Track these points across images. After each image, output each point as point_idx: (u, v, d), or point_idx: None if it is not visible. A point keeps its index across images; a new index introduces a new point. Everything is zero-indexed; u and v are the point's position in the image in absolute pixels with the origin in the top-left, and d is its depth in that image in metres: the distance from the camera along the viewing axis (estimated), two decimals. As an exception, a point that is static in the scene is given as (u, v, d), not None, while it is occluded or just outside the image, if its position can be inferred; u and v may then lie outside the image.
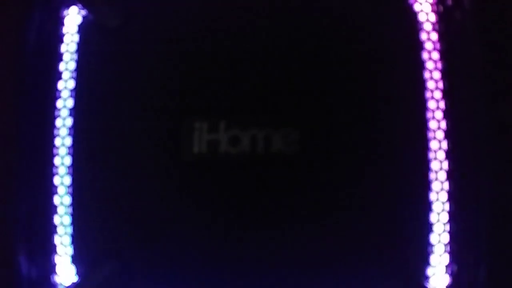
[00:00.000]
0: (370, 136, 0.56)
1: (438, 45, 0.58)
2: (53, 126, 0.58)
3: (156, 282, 0.56)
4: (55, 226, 0.57)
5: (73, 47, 0.60)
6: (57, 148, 0.58)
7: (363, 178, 0.56)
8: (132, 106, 0.58)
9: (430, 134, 0.57)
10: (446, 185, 0.57)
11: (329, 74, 0.57)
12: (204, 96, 0.57)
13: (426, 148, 0.57)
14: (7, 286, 0.56)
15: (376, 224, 0.56)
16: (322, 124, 0.56)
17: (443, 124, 0.57)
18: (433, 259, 0.57)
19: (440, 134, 0.57)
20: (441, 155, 0.57)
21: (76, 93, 0.58)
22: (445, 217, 0.57)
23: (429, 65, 0.58)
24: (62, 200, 0.57)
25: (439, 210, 0.57)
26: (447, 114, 0.57)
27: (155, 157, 0.57)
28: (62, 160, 0.58)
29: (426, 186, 0.57)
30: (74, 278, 0.57)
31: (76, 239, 0.57)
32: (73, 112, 0.58)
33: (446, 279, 0.57)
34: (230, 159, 0.55)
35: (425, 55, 0.58)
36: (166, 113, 0.57)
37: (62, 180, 0.58)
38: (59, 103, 0.58)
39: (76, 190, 0.57)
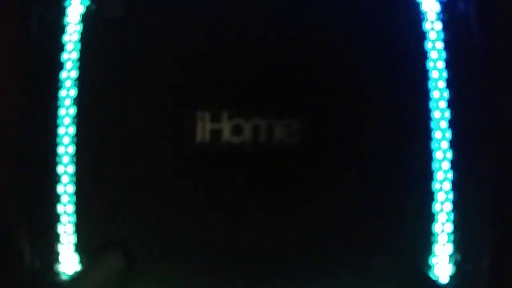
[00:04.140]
0: (373, 127, 0.56)
1: (442, 35, 0.58)
2: (56, 115, 0.58)
3: (159, 271, 0.56)
4: (58, 215, 0.57)
5: (76, 37, 0.59)
6: (60, 137, 0.58)
7: (366, 168, 0.56)
8: (134, 96, 0.57)
9: (434, 124, 0.57)
10: (450, 175, 0.57)
11: (331, 64, 0.57)
12: (207, 86, 0.57)
13: (429, 138, 0.57)
14: (11, 274, 0.56)
15: (379, 213, 0.56)
16: (323, 114, 0.56)
17: (447, 114, 0.57)
18: (436, 248, 0.57)
19: (444, 124, 0.57)
20: (445, 144, 0.57)
21: (79, 82, 0.58)
22: (448, 206, 0.57)
23: (433, 55, 0.58)
24: (66, 189, 0.57)
25: (443, 200, 0.57)
26: (451, 104, 0.57)
27: (158, 147, 0.57)
28: (66, 150, 0.58)
29: (429, 176, 0.57)
30: (77, 267, 0.57)
31: (80, 228, 0.57)
32: (76, 101, 0.58)
33: (450, 269, 0.57)
34: (232, 148, 0.55)
35: (428, 45, 0.58)
36: (169, 103, 0.57)
37: (66, 169, 0.58)
38: (62, 93, 0.58)
39: (80, 179, 0.57)
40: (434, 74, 0.58)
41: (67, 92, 0.58)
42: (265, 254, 0.57)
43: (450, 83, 0.58)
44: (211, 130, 0.56)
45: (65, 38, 0.60)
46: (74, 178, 0.57)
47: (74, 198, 0.57)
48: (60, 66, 0.59)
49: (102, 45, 0.59)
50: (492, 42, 0.58)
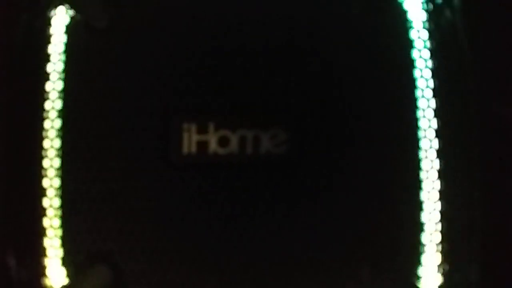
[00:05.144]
0: (360, 136, 0.56)
1: (428, 44, 0.58)
2: (41, 128, 0.58)
3: (147, 283, 0.56)
4: (44, 229, 0.57)
5: (61, 48, 0.59)
6: (46, 150, 0.57)
7: (353, 178, 0.56)
8: (120, 107, 0.57)
9: (421, 133, 0.57)
10: (437, 184, 0.57)
11: (318, 74, 0.56)
12: (193, 97, 0.57)
13: (416, 147, 0.57)
14: (-4, 289, 0.56)
15: (367, 223, 0.56)
16: (310, 124, 0.56)
17: (434, 123, 0.57)
18: (424, 259, 0.56)
19: (431, 133, 0.57)
20: (432, 154, 0.57)
21: (64, 94, 0.58)
22: (436, 216, 0.57)
23: (419, 63, 0.58)
24: (52, 202, 0.57)
25: (430, 210, 0.57)
26: (438, 112, 0.57)
27: (144, 159, 0.56)
28: (51, 162, 0.57)
29: (417, 185, 0.56)
30: (64, 281, 0.57)
31: (66, 242, 0.57)
32: (62, 113, 0.58)
33: (438, 279, 0.57)
34: (219, 159, 0.55)
35: (415, 54, 0.58)
36: (155, 114, 0.57)
37: (51, 182, 0.57)
38: (47, 105, 0.58)
39: (66, 192, 0.57)
40: (420, 83, 0.57)
41: (52, 104, 0.58)
42: (252, 265, 0.56)
43: (437, 92, 0.57)
44: (197, 141, 0.56)
45: (50, 49, 0.59)
46: (60, 192, 0.57)
47: (59, 212, 0.57)
48: (45, 77, 0.58)
49: (87, 56, 0.58)
50: (479, 50, 0.58)
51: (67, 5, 0.59)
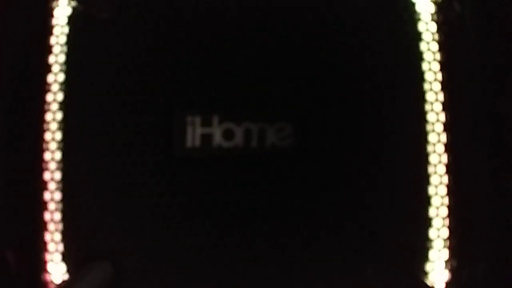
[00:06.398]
0: (366, 129, 0.55)
1: (436, 36, 0.57)
2: (43, 120, 0.57)
3: (148, 281, 0.55)
4: (45, 223, 0.56)
5: (63, 39, 0.58)
6: (47, 142, 0.56)
7: (360, 172, 0.55)
8: (124, 100, 0.56)
9: (429, 127, 0.56)
10: (445, 179, 0.56)
11: (323, 67, 0.56)
12: (198, 90, 0.56)
13: (424, 141, 0.56)
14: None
15: (374, 218, 0.55)
16: (316, 118, 0.55)
17: (442, 117, 0.56)
18: (432, 254, 0.56)
19: (439, 127, 0.56)
20: (440, 148, 0.56)
21: (66, 86, 0.57)
22: (444, 211, 0.56)
23: (428, 56, 0.57)
24: (53, 196, 0.56)
25: (438, 205, 0.56)
26: (446, 106, 0.56)
27: (147, 152, 0.56)
28: (53, 155, 0.56)
29: (424, 180, 0.56)
30: (65, 277, 0.56)
31: (67, 237, 0.56)
32: (63, 105, 0.57)
33: (446, 275, 0.56)
34: (224, 153, 0.54)
35: (423, 46, 0.57)
36: (159, 107, 0.56)
37: (53, 175, 0.56)
38: (48, 97, 0.57)
39: (67, 185, 0.56)
40: (429, 76, 0.57)
41: (54, 96, 0.57)
42: (256, 260, 0.55)
43: (445, 85, 0.57)
44: (202, 134, 0.55)
45: (52, 40, 0.58)
46: (61, 185, 0.56)
47: (61, 206, 0.56)
48: (47, 69, 0.57)
49: (89, 47, 0.58)
50: (488, 43, 0.57)
51: (69, -4, 0.59)
